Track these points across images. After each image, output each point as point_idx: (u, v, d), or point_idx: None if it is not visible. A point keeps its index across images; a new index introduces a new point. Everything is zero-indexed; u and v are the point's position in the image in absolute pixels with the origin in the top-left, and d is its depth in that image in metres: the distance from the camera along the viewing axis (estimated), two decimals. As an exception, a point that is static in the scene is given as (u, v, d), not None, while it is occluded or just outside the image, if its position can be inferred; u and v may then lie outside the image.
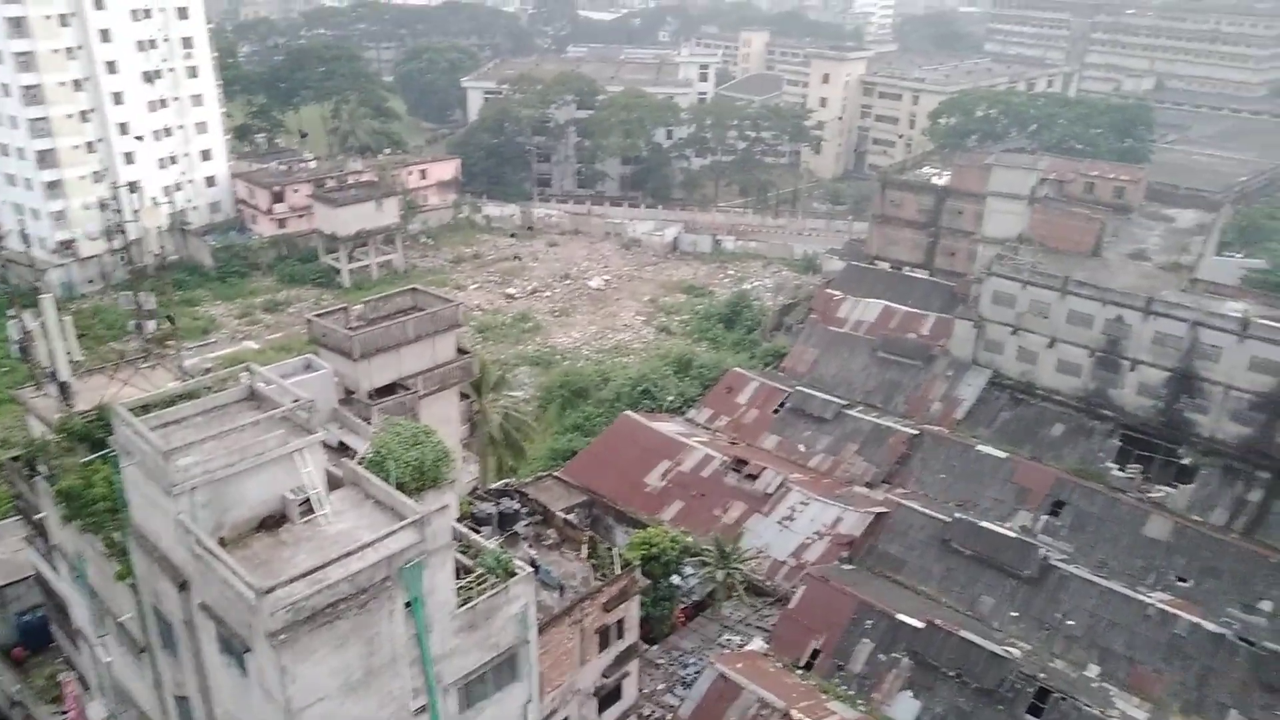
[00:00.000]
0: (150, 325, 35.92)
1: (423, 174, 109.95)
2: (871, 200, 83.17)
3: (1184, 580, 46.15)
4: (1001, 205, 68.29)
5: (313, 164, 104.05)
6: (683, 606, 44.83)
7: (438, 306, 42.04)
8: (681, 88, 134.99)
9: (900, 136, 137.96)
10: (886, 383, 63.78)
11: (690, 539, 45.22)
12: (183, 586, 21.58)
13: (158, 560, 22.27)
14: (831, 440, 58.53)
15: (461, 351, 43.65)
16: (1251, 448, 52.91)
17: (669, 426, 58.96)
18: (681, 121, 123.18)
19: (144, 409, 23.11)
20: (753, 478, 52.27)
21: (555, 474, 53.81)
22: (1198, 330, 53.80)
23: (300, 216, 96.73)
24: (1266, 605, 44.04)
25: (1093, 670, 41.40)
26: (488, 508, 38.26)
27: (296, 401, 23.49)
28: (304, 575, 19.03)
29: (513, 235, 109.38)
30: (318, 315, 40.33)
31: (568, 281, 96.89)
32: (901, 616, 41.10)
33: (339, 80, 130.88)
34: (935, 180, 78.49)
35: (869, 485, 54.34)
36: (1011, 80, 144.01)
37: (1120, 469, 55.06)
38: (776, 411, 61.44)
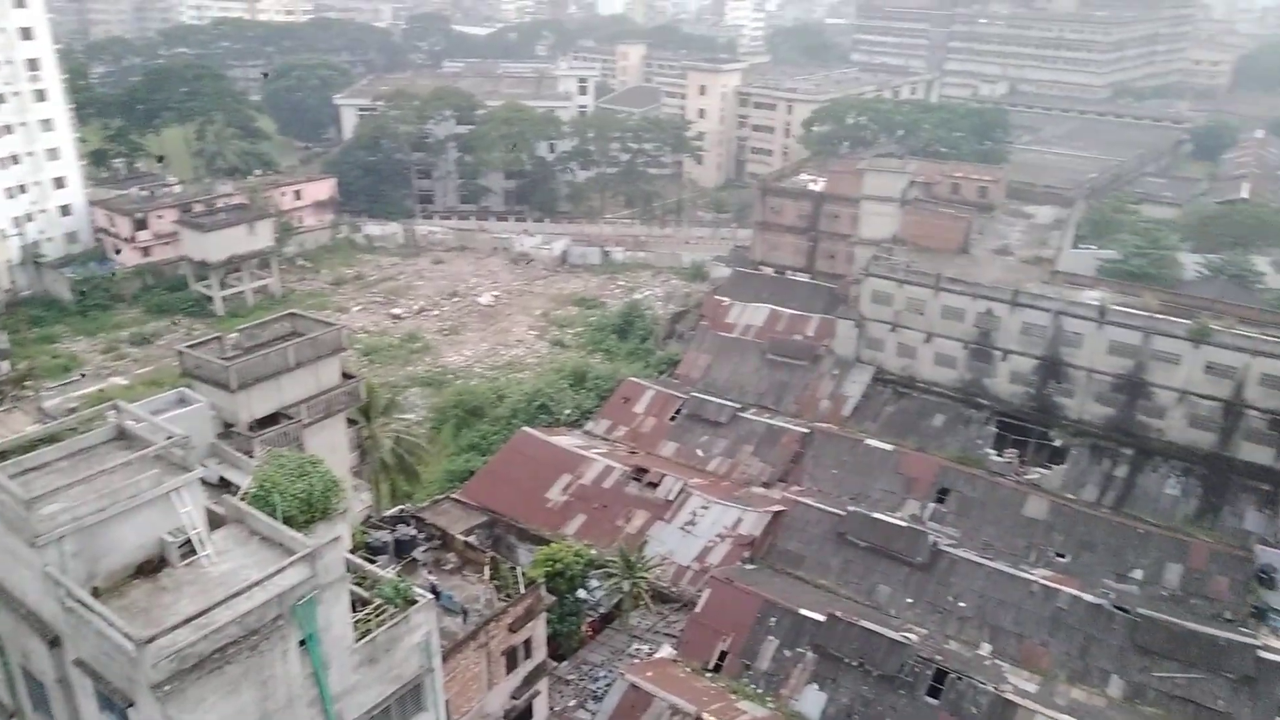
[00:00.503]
0: (3, 366, 33.49)
1: (297, 195, 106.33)
2: (753, 207, 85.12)
3: (1062, 556, 48.83)
4: (875, 208, 70.99)
5: (177, 188, 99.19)
6: (590, 620, 44.60)
7: (319, 331, 40.72)
8: (562, 101, 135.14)
9: (778, 146, 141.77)
10: (777, 384, 65.28)
11: (594, 552, 45.05)
12: (54, 643, 20.14)
13: (24, 617, 20.70)
14: (728, 443, 59.45)
15: (347, 376, 42.38)
16: (1115, 426, 56.57)
17: (568, 440, 58.69)
18: (564, 134, 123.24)
19: (1, 455, 21.52)
20: (653, 485, 52.55)
21: (453, 496, 52.72)
22: (1060, 319, 57.21)
23: (166, 244, 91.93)
24: (1138, 574, 47.08)
25: (985, 648, 43.28)
26: (383, 536, 37.23)
27: (170, 438, 22.27)
28: (188, 621, 18.06)
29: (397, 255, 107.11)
30: (190, 346, 38.48)
31: (456, 299, 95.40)
32: (804, 611, 41.98)
33: (203, 100, 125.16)
34: (812, 186, 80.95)
35: (766, 485, 55.43)
36: (878, 88, 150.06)
37: (998, 454, 57.91)
38: (673, 418, 62.00)
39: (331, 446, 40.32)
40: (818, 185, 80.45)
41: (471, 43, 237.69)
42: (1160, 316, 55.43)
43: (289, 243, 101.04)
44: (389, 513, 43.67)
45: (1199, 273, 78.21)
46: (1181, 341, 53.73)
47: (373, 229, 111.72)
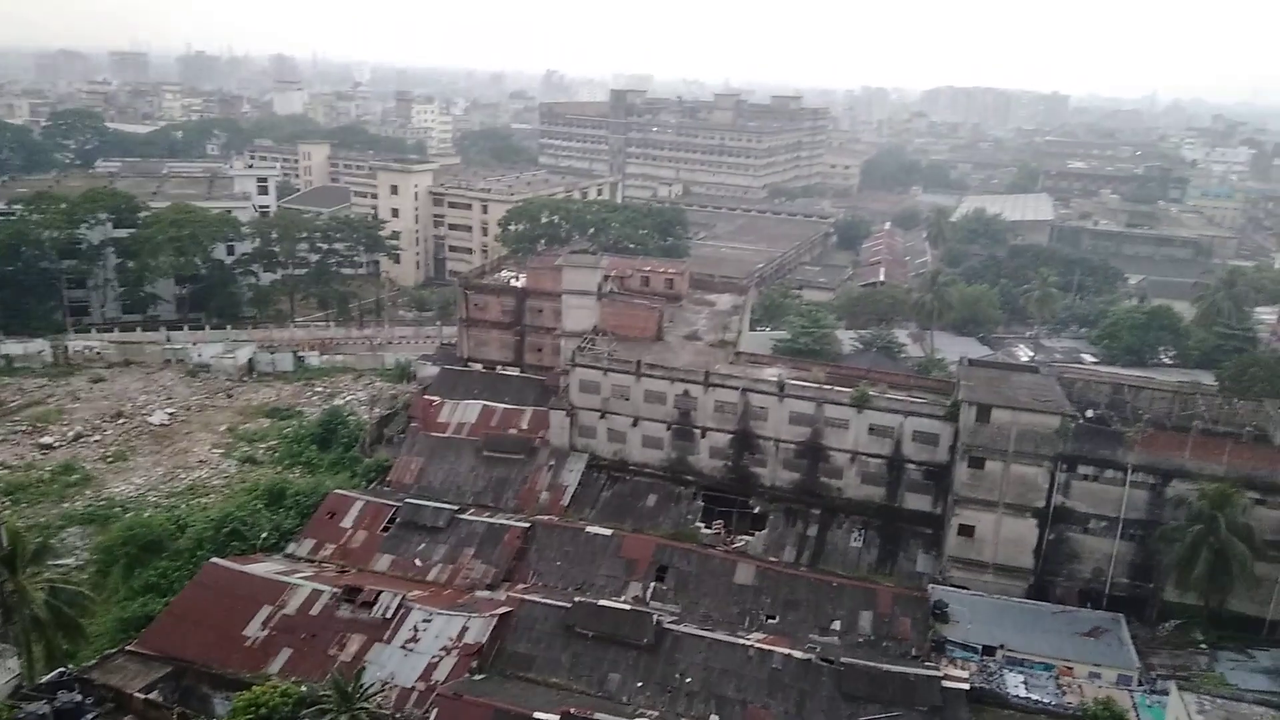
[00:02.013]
0: None
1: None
2: (457, 305, 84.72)
3: (772, 617, 51.94)
4: (575, 301, 73.55)
5: None
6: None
7: (-59, 473, 33.91)
8: (239, 201, 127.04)
9: (477, 244, 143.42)
10: (495, 480, 64.31)
11: (305, 688, 40.79)
12: None
13: None
14: (447, 548, 57.18)
15: (-19, 523, 35.52)
16: (803, 489, 61.98)
17: (266, 567, 53.28)
18: (244, 236, 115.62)
19: None
20: (368, 605, 48.97)
21: (128, 648, 45.66)
22: (747, 395, 62.19)
23: None
24: (837, 625, 51.19)
25: None
26: (39, 708, 31.15)
27: None
28: None
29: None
30: None
31: (122, 420, 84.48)
32: (538, 715, 40.73)
33: None
34: (514, 282, 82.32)
35: (490, 587, 53.81)
36: (567, 189, 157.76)
37: (707, 527, 61.00)
38: (386, 529, 58.66)
39: (-40, 612, 33.30)
40: (519, 281, 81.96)
41: (129, 141, 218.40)
42: (828, 387, 62.13)
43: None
44: (46, 678, 36.77)
45: (855, 346, 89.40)
46: (847, 408, 60.44)
47: (12, 348, 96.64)
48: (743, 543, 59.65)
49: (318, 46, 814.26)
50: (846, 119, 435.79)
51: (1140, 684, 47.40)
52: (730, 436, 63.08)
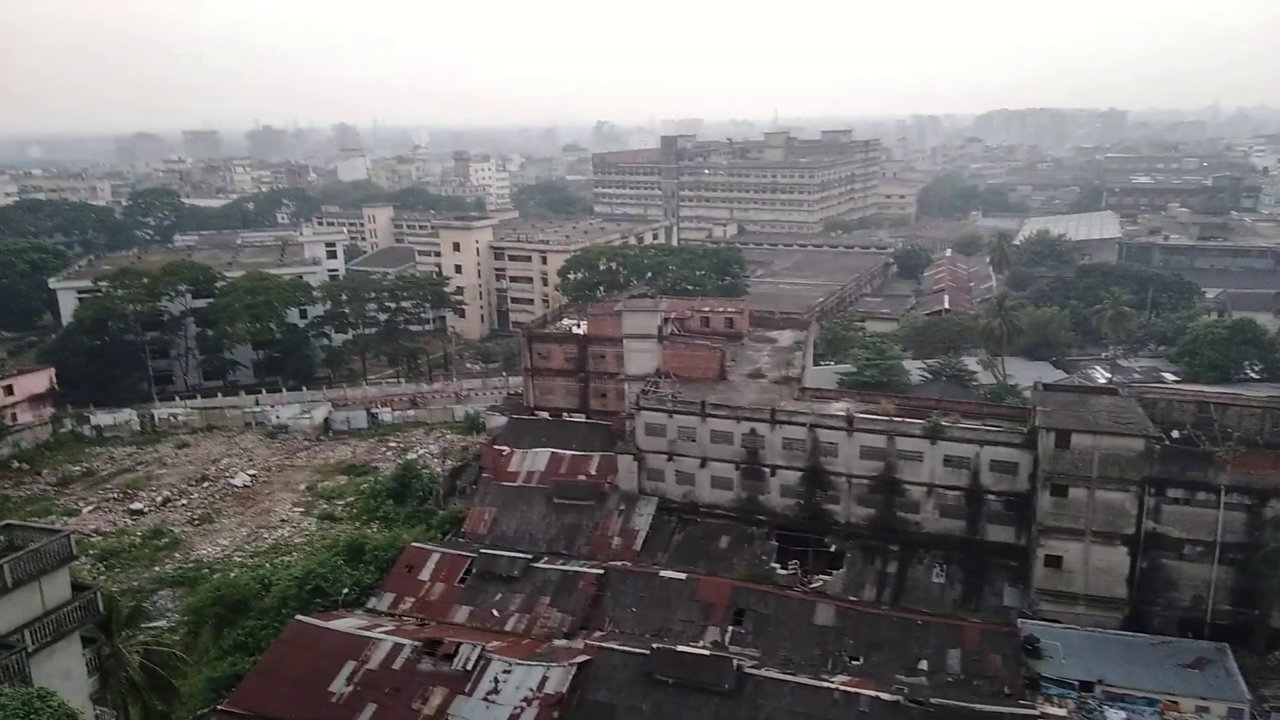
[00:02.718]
0: None
1: (8, 390, 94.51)
2: (521, 355, 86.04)
3: (855, 659, 50.70)
4: (636, 345, 74.05)
5: None
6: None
7: (41, 541, 35.55)
8: (310, 266, 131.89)
9: (538, 294, 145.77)
10: (567, 527, 64.55)
11: (391, 742, 41.09)
12: None
13: None
14: (524, 597, 57.39)
15: (79, 588, 37.05)
16: (880, 525, 60.74)
17: (349, 622, 54.10)
18: (315, 299, 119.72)
19: None
20: (449, 657, 49.28)
21: (219, 707, 46.69)
22: (815, 431, 61.52)
23: None
24: (924, 664, 49.67)
25: (801, 765, 43.38)
26: (138, 771, 31.93)
27: None
28: None
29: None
30: None
31: (206, 484, 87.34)
32: (623, 764, 40.28)
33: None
34: (576, 330, 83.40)
35: (568, 635, 53.74)
36: (623, 236, 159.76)
37: (782, 567, 60.10)
38: (463, 580, 59.18)
39: (65, 673, 34.71)
40: (581, 328, 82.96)
41: (205, 215, 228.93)
42: (898, 419, 61.12)
43: (1, 444, 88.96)
44: (142, 742, 37.69)
45: (923, 376, 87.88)
46: (920, 440, 59.30)
47: (102, 419, 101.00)
48: (820, 582, 58.60)
49: (377, 114, 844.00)
50: (899, 149, 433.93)
51: (1253, 717, 44.93)
52: (800, 474, 62.34)
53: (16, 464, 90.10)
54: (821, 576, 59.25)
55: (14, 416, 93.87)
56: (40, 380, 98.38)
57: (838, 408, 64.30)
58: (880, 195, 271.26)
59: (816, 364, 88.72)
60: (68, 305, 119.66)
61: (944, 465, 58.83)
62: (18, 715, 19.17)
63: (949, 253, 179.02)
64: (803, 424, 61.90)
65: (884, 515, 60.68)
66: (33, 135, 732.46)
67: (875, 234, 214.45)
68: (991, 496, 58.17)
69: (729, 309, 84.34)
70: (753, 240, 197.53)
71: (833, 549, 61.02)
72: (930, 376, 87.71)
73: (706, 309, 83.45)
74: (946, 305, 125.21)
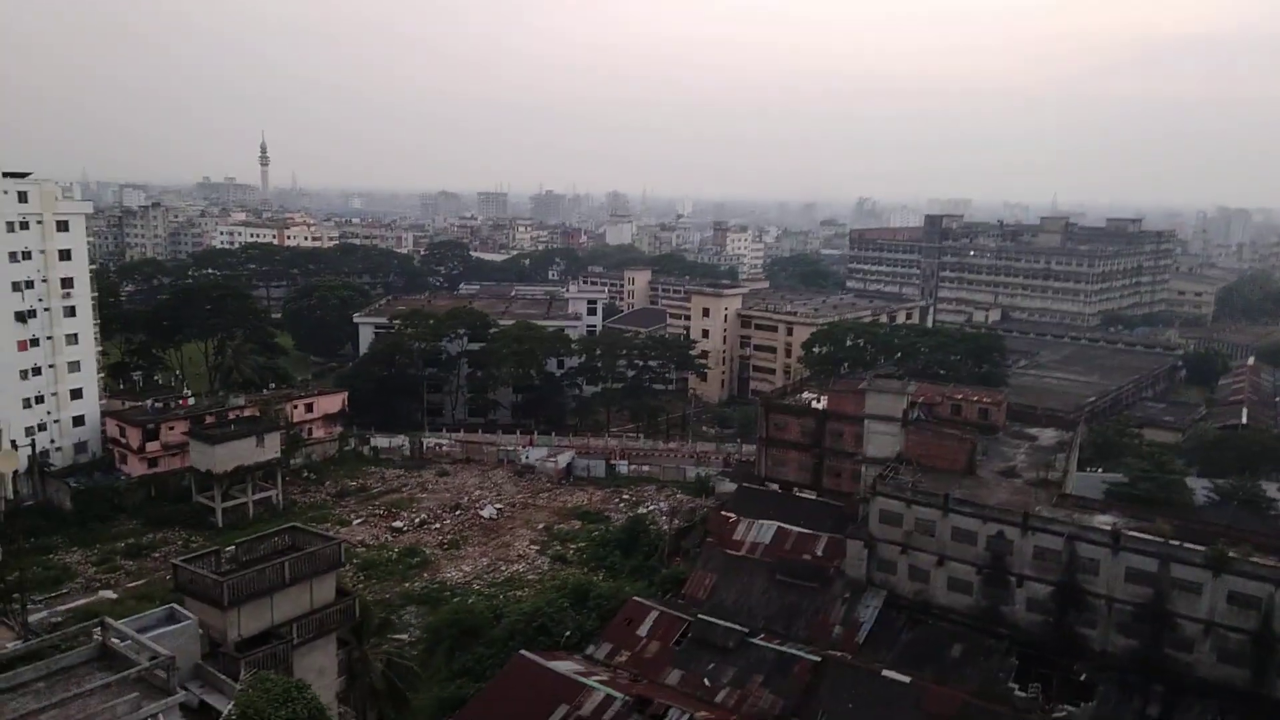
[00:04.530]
0: (-9, 578, 32.66)
1: (309, 408, 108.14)
2: (757, 423, 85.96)
3: (1100, 805, 44.88)
4: (878, 427, 71.50)
5: (191, 400, 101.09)
6: None
7: (318, 545, 39.93)
8: (571, 321, 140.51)
9: (780, 365, 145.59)
10: (787, 607, 62.92)
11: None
12: None
13: None
14: (736, 671, 56.41)
15: (342, 593, 41.10)
16: (1143, 660, 53.74)
17: (567, 665, 55.82)
18: (572, 351, 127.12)
19: (-26, 677, 20.47)
20: (657, 718, 49.36)
21: (444, 726, 49.56)
22: (1074, 544, 55.88)
23: (174, 455, 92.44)
24: (1183, 827, 43.01)
25: None
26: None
27: (154, 659, 21.27)
28: None
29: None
30: (185, 560, 37.57)
31: (459, 512, 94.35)
32: None
33: (225, 318, 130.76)
34: (815, 404, 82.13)
35: (778, 719, 52.03)
36: (874, 313, 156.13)
37: (1021, 689, 54.65)
38: (678, 643, 59.27)
39: (320, 669, 38.42)
40: (820, 403, 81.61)
41: (488, 267, 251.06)
42: (1175, 543, 54.17)
43: (296, 455, 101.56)
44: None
45: (1209, 498, 77.66)
46: (1200, 570, 52.12)
47: (380, 441, 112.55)
48: (1064, 713, 52.64)
49: (648, 184, 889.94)
50: (1197, 242, 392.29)
51: None
52: (1052, 589, 56.72)
53: (306, 474, 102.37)
54: (1067, 707, 53.21)
55: (310, 431, 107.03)
56: (335, 402, 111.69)
57: (1103, 520, 58.18)
58: (1171, 291, 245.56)
59: (1081, 469, 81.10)
60: (366, 338, 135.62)
61: (1228, 602, 51.27)
62: (277, 700, 21.54)
63: (1251, 360, 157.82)
64: (1060, 533, 56.52)
65: (1149, 649, 53.66)
66: (359, 188, 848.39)
67: (1162, 333, 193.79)
68: (1288, 648, 49.78)
69: (984, 398, 79.52)
70: (1017, 328, 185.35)
71: (1083, 678, 54.67)
72: (1218, 498, 77.23)
73: (959, 396, 79.23)
74: (1245, 419, 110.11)
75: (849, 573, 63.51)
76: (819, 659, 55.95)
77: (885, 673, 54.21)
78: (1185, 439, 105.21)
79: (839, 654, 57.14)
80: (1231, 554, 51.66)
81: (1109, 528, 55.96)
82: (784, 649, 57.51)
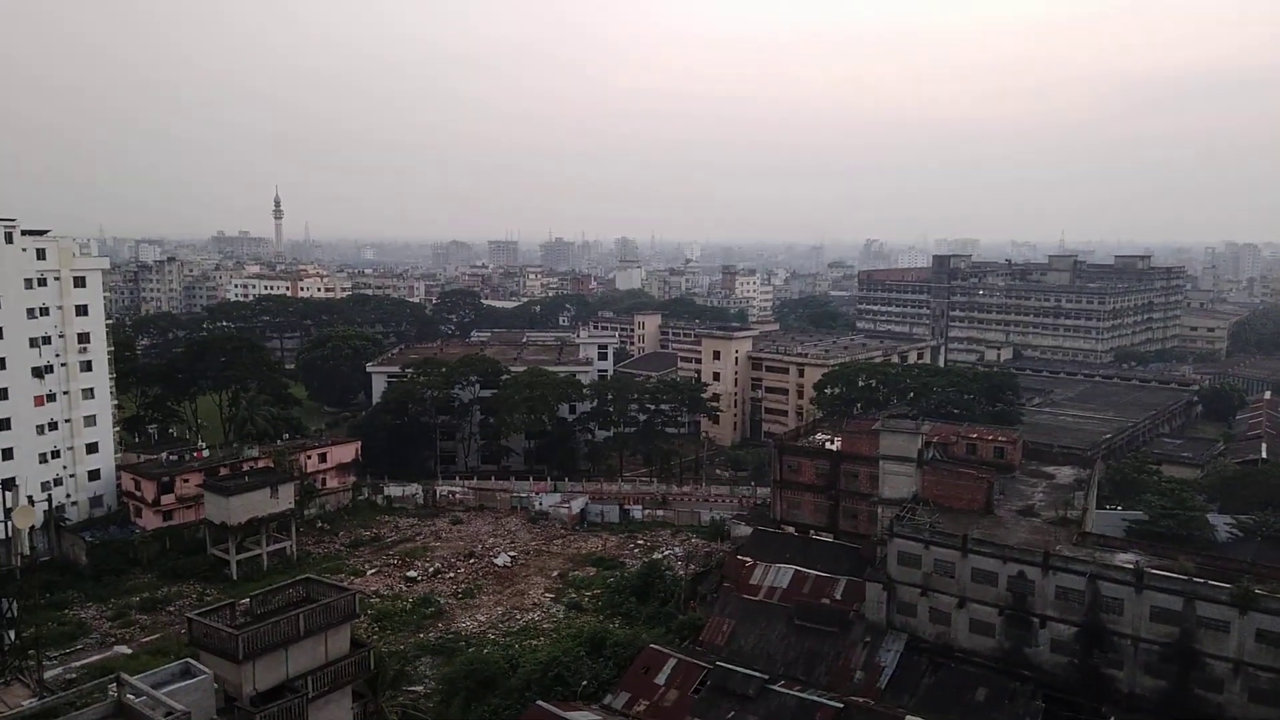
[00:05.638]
0: (8, 635, 32.60)
1: (322, 457, 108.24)
2: (771, 466, 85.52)
3: None
4: (893, 468, 71.10)
5: (206, 452, 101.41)
6: None
7: (332, 597, 39.74)
8: (582, 366, 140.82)
9: (792, 406, 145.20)
10: (807, 652, 61.99)
11: None
12: None
13: None
14: (756, 720, 55.44)
15: (356, 645, 40.80)
16: (1172, 701, 52.60)
17: (584, 715, 54.96)
18: (584, 397, 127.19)
19: (-9, 735, 20.39)
20: (676, 769, 48.44)
21: (460, 780, 48.74)
22: (1097, 583, 55.08)
23: (189, 507, 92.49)
24: None
25: None
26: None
27: (170, 715, 21.13)
28: None
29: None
30: (199, 613, 37.47)
31: (472, 560, 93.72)
32: None
33: (239, 370, 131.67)
34: (828, 446, 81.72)
35: (799, 769, 50.97)
36: (885, 353, 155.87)
37: (1049, 732, 53.53)
38: (697, 691, 58.33)
39: (335, 723, 37.98)
40: (834, 444, 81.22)
41: (498, 314, 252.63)
42: (1199, 580, 53.32)
43: (310, 505, 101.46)
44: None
45: (1231, 534, 76.63)
46: (1226, 608, 51.24)
47: (393, 490, 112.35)
48: (1094, 757, 51.47)
49: (656, 230, 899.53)
50: (1208, 278, 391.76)
51: None
52: (1076, 629, 55.79)
53: (320, 524, 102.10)
54: (1096, 751, 52.05)
55: (324, 481, 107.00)
56: (348, 451, 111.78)
57: (1124, 559, 57.39)
58: (1184, 327, 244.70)
59: (1100, 506, 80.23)
60: (379, 387, 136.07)
61: (1257, 641, 50.31)
62: (295, 753, 21.23)
63: (1268, 395, 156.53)
64: (1081, 573, 55.76)
65: (1178, 690, 52.58)
66: (372, 239, 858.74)
67: (1177, 369, 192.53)
68: (1322, 687, 48.69)
69: (1000, 437, 79.01)
70: (1030, 366, 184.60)
71: (1111, 720, 53.55)
72: (1240, 534, 76.25)
73: (974, 435, 78.75)
74: (1264, 454, 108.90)
75: (869, 616, 62.66)
76: (841, 705, 54.94)
77: (909, 718, 53.18)
78: (1204, 475, 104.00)
79: (861, 700, 56.11)
80: (1258, 591, 50.79)
81: (1131, 566, 55.20)
82: (805, 695, 56.52)
